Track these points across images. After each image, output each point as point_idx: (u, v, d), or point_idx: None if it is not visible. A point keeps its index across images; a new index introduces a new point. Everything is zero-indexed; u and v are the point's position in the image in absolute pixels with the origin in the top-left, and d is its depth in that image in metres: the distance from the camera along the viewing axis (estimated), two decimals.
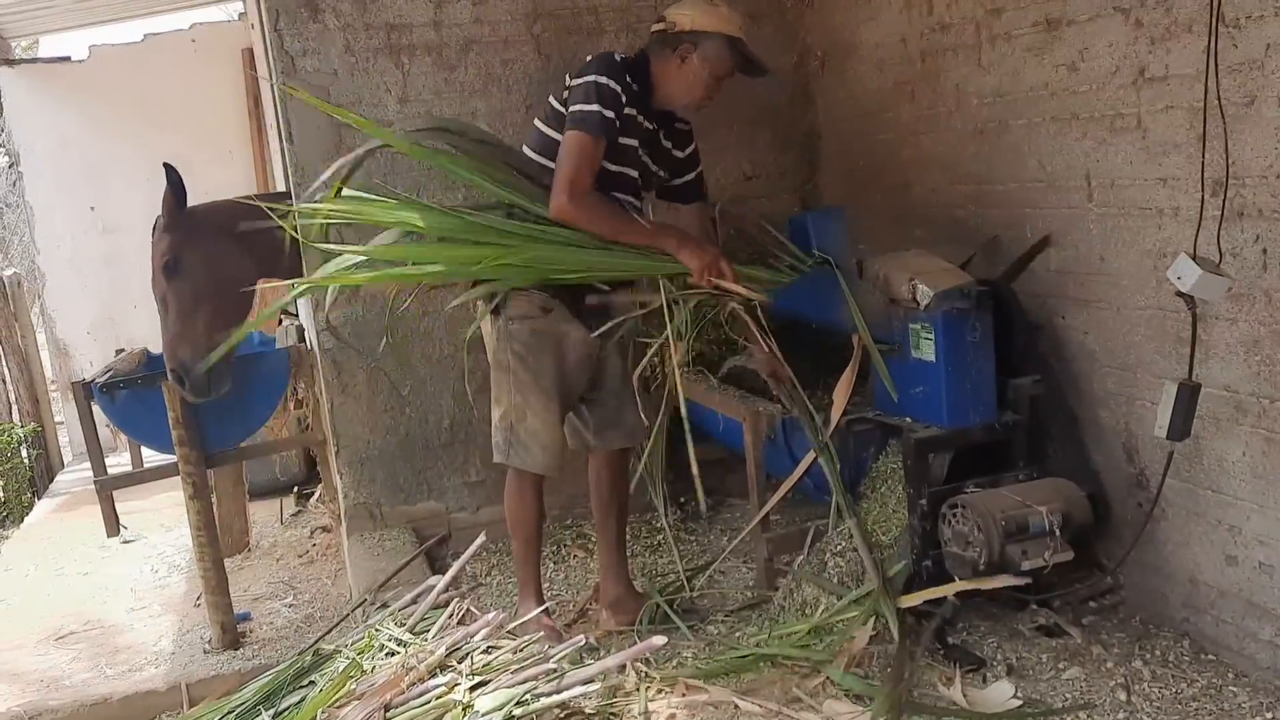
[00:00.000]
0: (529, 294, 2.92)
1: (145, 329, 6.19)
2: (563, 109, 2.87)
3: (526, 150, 3.01)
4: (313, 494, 5.21)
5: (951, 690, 2.62)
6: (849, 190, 4.11)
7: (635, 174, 2.99)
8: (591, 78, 2.80)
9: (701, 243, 2.91)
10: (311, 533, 4.72)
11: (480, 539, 3.08)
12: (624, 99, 2.81)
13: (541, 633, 2.90)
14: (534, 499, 3.08)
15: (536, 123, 3.00)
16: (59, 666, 3.56)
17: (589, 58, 2.89)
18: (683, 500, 3.99)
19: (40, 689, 3.38)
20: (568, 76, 2.90)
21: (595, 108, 2.77)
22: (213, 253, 3.60)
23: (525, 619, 2.92)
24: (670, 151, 3.09)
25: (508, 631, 2.76)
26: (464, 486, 3.97)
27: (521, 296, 2.93)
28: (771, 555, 3.20)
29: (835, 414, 3.01)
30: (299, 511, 5.12)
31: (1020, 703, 2.53)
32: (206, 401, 3.55)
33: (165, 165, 3.53)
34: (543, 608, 3.03)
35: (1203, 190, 2.46)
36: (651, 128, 2.98)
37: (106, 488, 3.73)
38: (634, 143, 2.93)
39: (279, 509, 5.07)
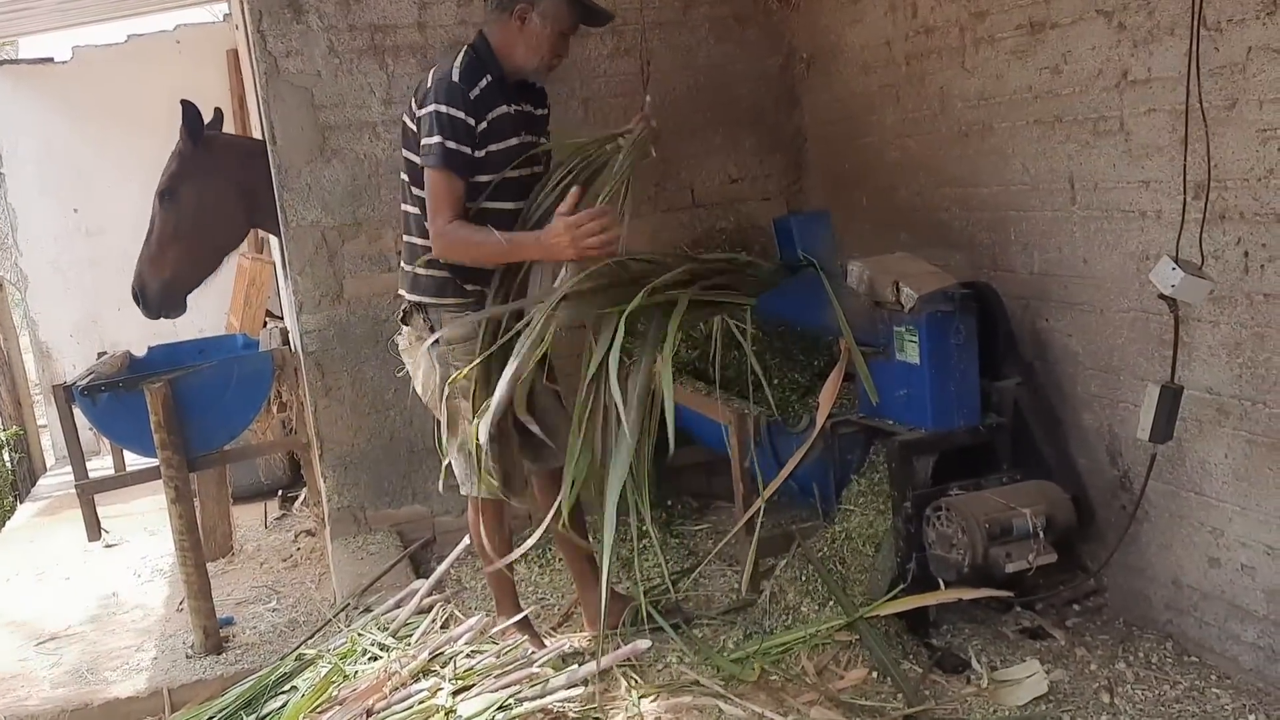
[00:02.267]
0: (465, 316, 2.81)
1: (129, 332, 6.16)
2: (415, 129, 2.78)
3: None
4: (297, 497, 5.19)
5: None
6: (834, 193, 4.11)
7: (533, 169, 2.89)
8: (436, 108, 2.69)
9: (558, 235, 2.66)
10: (295, 536, 4.70)
11: (464, 543, 3.07)
12: (473, 120, 2.70)
13: (525, 639, 2.89)
14: (501, 525, 3.02)
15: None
16: (40, 671, 3.53)
17: (428, 83, 2.77)
18: (669, 503, 3.98)
19: (21, 694, 3.36)
20: (413, 101, 2.81)
21: (449, 143, 2.68)
22: (206, 195, 3.89)
23: (504, 625, 2.91)
24: (543, 117, 2.99)
25: (490, 636, 2.75)
26: (449, 490, 3.95)
27: (457, 321, 2.82)
28: (756, 558, 3.19)
29: (821, 416, 3.01)
30: (283, 515, 5.10)
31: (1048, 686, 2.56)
32: (190, 404, 3.54)
33: (182, 101, 3.91)
34: (522, 615, 3.01)
35: (1185, 193, 2.47)
36: (519, 109, 2.86)
37: (88, 491, 3.71)
38: (515, 140, 2.82)
39: (263, 513, 5.04)
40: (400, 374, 3.15)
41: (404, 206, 2.94)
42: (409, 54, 3.79)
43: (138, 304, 4.04)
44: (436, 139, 2.68)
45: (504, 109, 2.80)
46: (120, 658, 3.58)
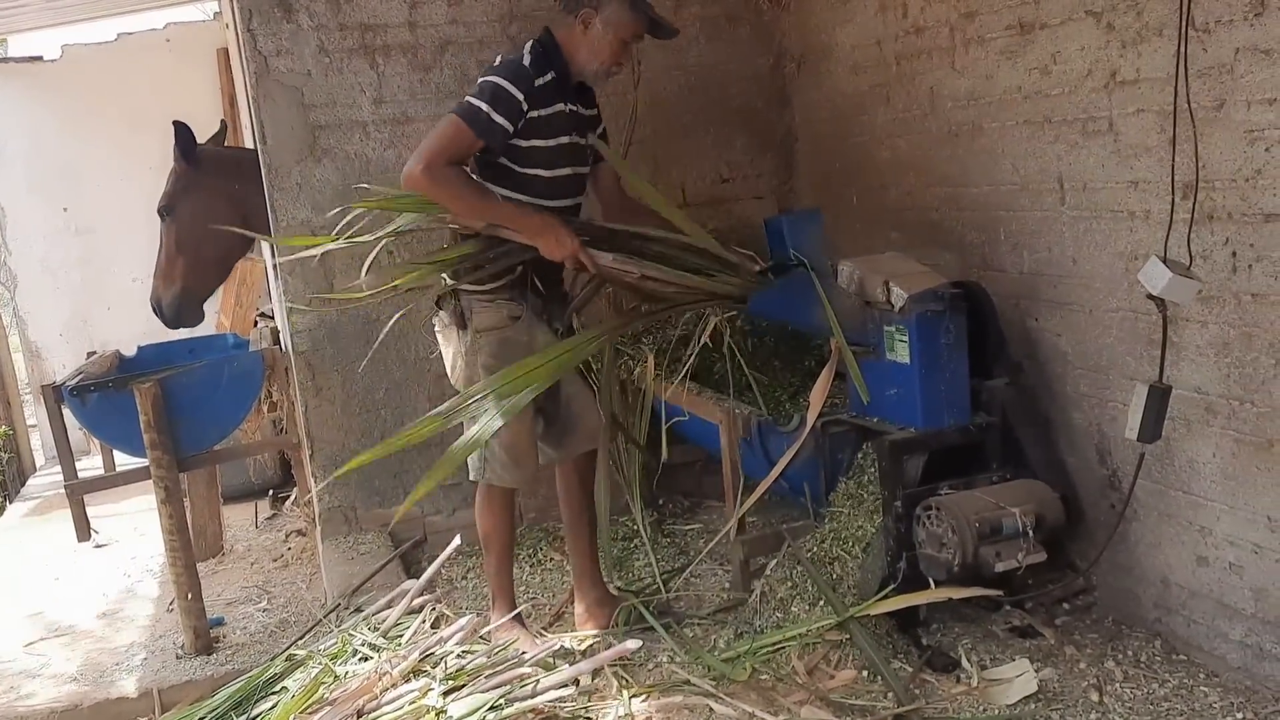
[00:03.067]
0: (495, 303, 2.86)
1: (119, 331, 6.14)
2: None
3: None
4: (287, 497, 5.18)
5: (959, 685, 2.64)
6: (825, 193, 4.11)
7: (569, 170, 2.91)
8: (493, 79, 2.74)
9: (561, 234, 2.74)
10: (286, 536, 4.69)
11: (455, 542, 3.06)
12: (526, 106, 2.74)
13: (519, 635, 2.89)
14: (507, 513, 3.04)
15: None
16: (29, 673, 3.52)
17: (498, 58, 2.84)
18: (660, 502, 3.99)
19: (10, 696, 3.34)
20: None
21: (485, 108, 2.71)
22: (200, 209, 4.15)
23: (498, 623, 2.91)
24: (592, 117, 3.02)
25: (481, 636, 2.75)
26: (439, 490, 3.93)
27: (489, 307, 2.87)
28: (747, 557, 3.19)
29: (811, 416, 3.01)
30: (274, 515, 5.09)
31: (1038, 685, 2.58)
32: (180, 404, 3.54)
33: (174, 123, 4.15)
34: (515, 612, 3.02)
35: (1173, 193, 2.48)
36: (573, 109, 2.90)
37: (77, 492, 3.70)
38: (566, 139, 2.86)
39: (253, 512, 5.03)
40: (434, 355, 3.23)
41: None
42: (399, 53, 3.79)
43: (158, 316, 4.37)
44: (484, 106, 2.71)
45: (561, 107, 2.84)
46: (110, 659, 3.58)
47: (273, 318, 5.71)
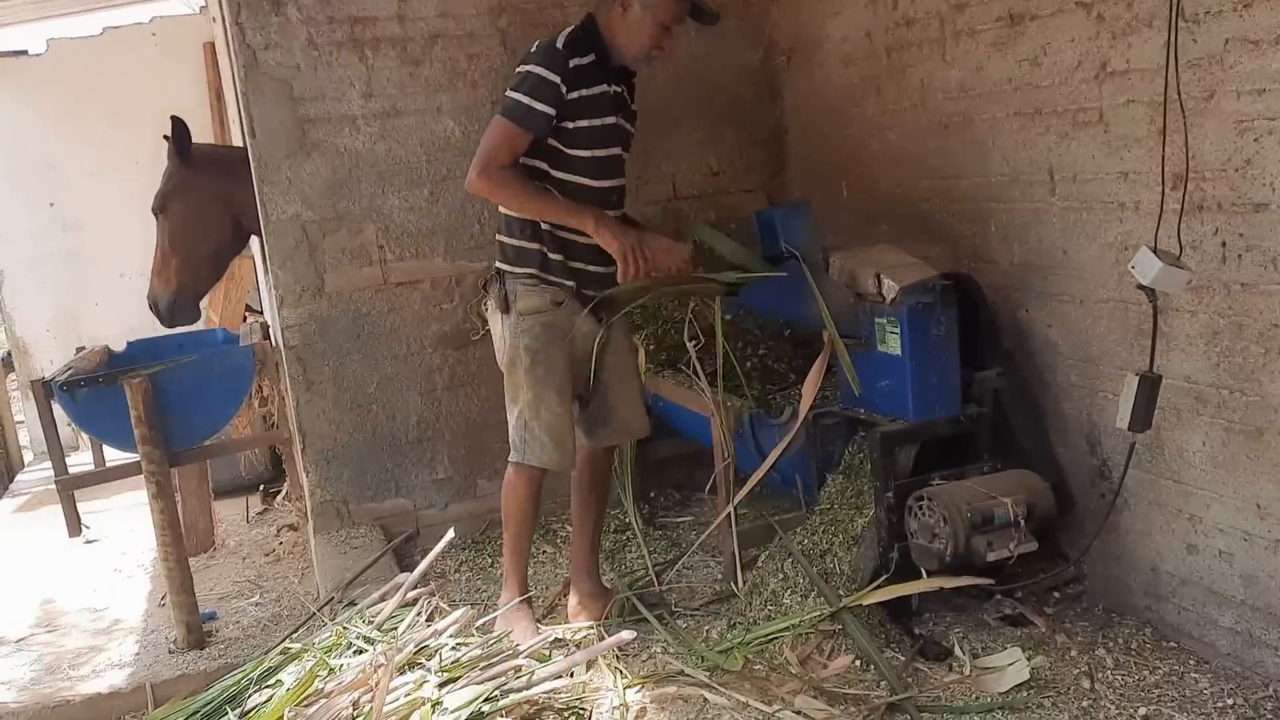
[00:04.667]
0: (540, 288, 2.90)
1: (107, 327, 6.11)
2: None
3: None
4: (278, 492, 5.17)
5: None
6: (816, 185, 4.12)
7: (618, 150, 2.94)
8: (528, 68, 2.78)
9: (619, 225, 2.84)
10: (278, 531, 4.68)
11: (449, 535, 3.05)
12: (565, 89, 2.76)
13: (522, 622, 2.91)
14: (534, 495, 3.04)
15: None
16: (20, 668, 3.51)
17: (534, 45, 2.86)
18: (652, 495, 3.99)
19: (1, 691, 3.33)
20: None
21: (525, 99, 2.75)
22: (192, 209, 4.19)
23: (507, 606, 2.92)
24: (631, 104, 3.04)
25: (475, 629, 2.75)
26: (431, 484, 3.96)
27: (533, 291, 2.90)
28: (739, 549, 3.20)
29: (803, 408, 3.02)
30: (265, 510, 5.08)
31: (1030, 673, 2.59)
32: (171, 399, 3.53)
33: (173, 118, 4.18)
34: (525, 596, 3.04)
35: (1163, 184, 2.49)
36: (617, 90, 2.92)
37: (68, 487, 3.68)
38: (611, 119, 2.88)
39: (245, 507, 5.02)
40: (476, 337, 3.35)
41: None
42: (388, 46, 3.78)
43: (155, 315, 4.41)
44: (523, 98, 2.75)
45: (604, 88, 2.86)
46: (102, 653, 3.57)
47: (261, 312, 5.70)
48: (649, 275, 2.83)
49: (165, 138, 4.30)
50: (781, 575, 2.96)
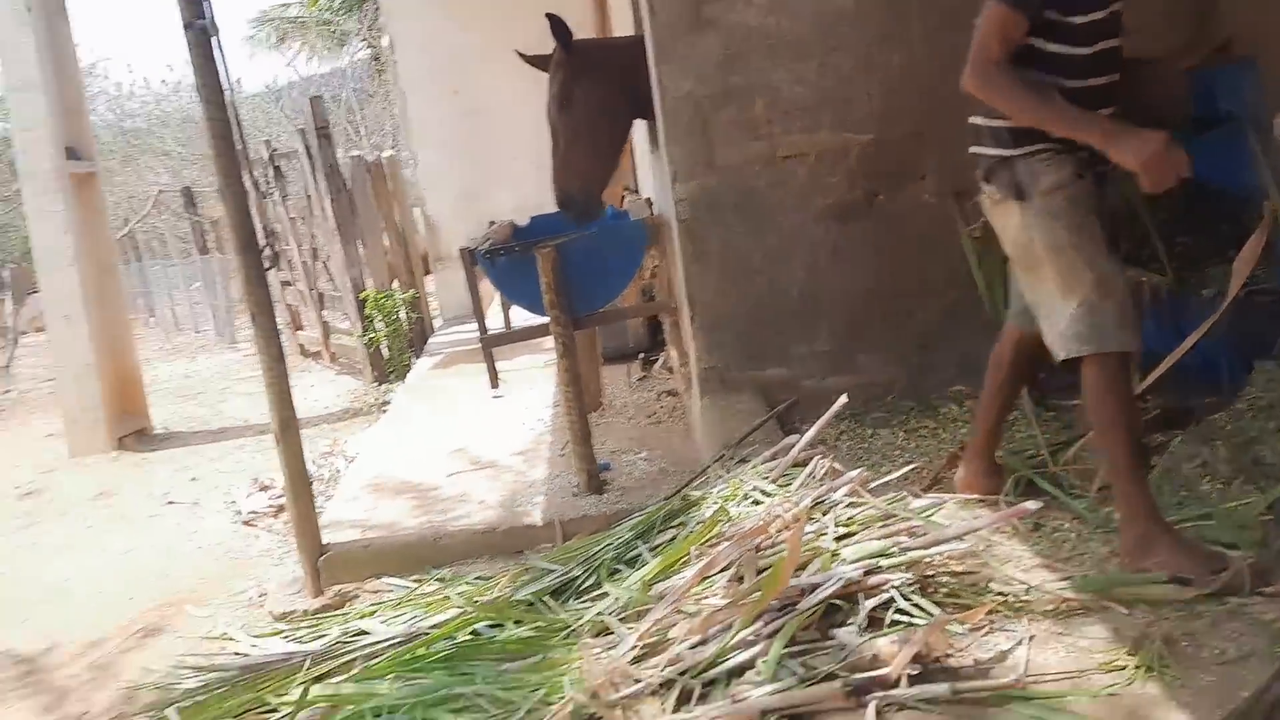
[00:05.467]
0: (1060, 159, 2.54)
1: (502, 205, 6.68)
2: None
3: None
4: (656, 360, 5.52)
5: None
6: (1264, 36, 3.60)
7: (1117, 41, 2.58)
8: None
9: (1137, 135, 2.36)
10: (658, 396, 5.02)
11: (843, 399, 3.12)
12: None
13: (1180, 551, 2.41)
14: (1130, 387, 2.61)
15: None
16: (453, 497, 4.06)
17: None
18: (1040, 376, 3.83)
19: (444, 517, 3.87)
20: None
21: None
22: (595, 92, 4.22)
23: (1158, 558, 2.41)
24: None
25: (871, 490, 2.79)
26: (811, 355, 4.02)
27: (1052, 166, 2.54)
28: (1147, 433, 3.01)
29: (1234, 286, 2.76)
30: (644, 376, 5.45)
31: None
32: (574, 268, 3.84)
33: (548, 15, 4.15)
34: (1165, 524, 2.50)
35: None
36: None
37: (489, 345, 4.15)
38: (1108, 10, 2.51)
39: (627, 373, 5.42)
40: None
41: None
42: None
43: (566, 212, 4.31)
44: None
45: None
46: (517, 492, 4.03)
47: (637, 191, 6.00)
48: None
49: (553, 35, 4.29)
50: (1199, 461, 2.76)
